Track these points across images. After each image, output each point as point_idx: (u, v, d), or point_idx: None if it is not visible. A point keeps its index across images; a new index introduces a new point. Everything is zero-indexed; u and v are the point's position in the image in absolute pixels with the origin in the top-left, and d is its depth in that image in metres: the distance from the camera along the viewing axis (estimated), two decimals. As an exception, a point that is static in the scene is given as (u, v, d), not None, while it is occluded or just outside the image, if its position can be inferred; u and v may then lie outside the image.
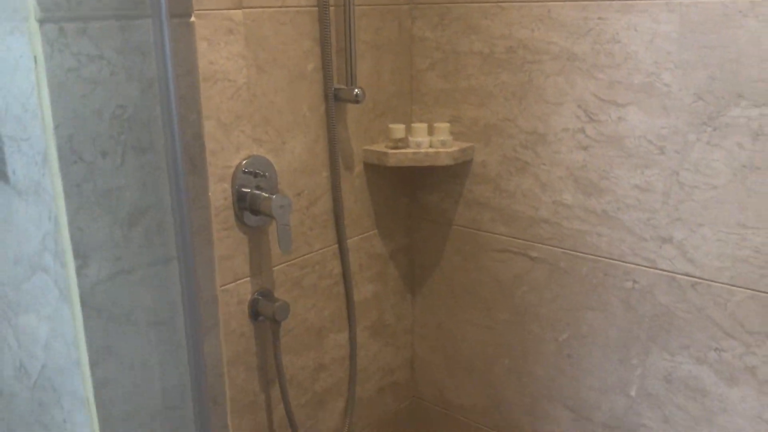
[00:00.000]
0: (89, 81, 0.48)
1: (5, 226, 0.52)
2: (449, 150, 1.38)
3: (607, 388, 1.36)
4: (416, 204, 1.57)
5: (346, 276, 1.44)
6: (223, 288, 1.20)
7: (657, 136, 1.19)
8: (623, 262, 1.28)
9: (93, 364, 0.48)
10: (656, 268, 1.24)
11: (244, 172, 1.21)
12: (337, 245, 1.42)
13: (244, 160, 1.20)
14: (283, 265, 1.32)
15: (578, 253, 1.34)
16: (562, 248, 1.36)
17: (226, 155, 1.17)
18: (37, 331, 0.52)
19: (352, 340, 1.49)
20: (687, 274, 1.21)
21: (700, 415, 1.25)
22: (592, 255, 1.32)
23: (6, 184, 0.52)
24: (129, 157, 0.48)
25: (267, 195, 1.19)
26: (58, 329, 0.50)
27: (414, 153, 1.38)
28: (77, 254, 0.47)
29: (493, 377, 1.55)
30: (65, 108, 0.46)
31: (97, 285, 0.48)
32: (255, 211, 1.22)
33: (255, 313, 1.28)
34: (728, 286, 1.17)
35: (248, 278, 1.25)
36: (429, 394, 1.70)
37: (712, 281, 1.19)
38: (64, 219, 0.46)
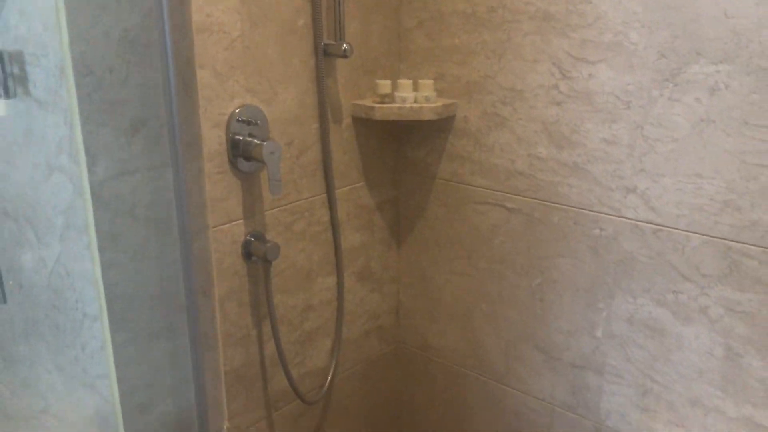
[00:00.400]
0: (99, 6, 0.56)
1: (26, 134, 0.60)
2: (433, 105, 1.47)
3: (575, 330, 1.46)
4: (402, 158, 1.66)
5: (334, 224, 1.53)
6: (217, 228, 1.30)
7: (624, 91, 1.27)
8: (591, 211, 1.37)
9: (101, 249, 0.57)
10: (621, 217, 1.34)
11: (238, 121, 1.29)
12: (325, 194, 1.51)
13: (238, 108, 1.29)
14: (274, 210, 1.41)
15: (551, 204, 1.43)
16: (536, 199, 1.45)
17: (220, 103, 1.25)
18: (54, 223, 0.62)
19: (340, 284, 1.59)
20: (649, 222, 1.30)
21: (659, 353, 1.35)
22: (563, 205, 1.41)
23: (27, 96, 0.60)
24: (132, 74, 0.57)
25: (259, 142, 1.28)
26: (71, 220, 0.59)
27: (399, 108, 1.47)
28: (88, 154, 0.55)
29: (472, 322, 1.65)
30: (79, 28, 0.54)
31: (104, 182, 0.57)
32: (248, 157, 1.31)
33: (248, 254, 1.37)
34: (685, 233, 1.26)
35: (241, 220, 1.34)
36: (412, 339, 1.80)
37: (671, 228, 1.28)
38: (77, 124, 0.55)
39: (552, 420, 1.55)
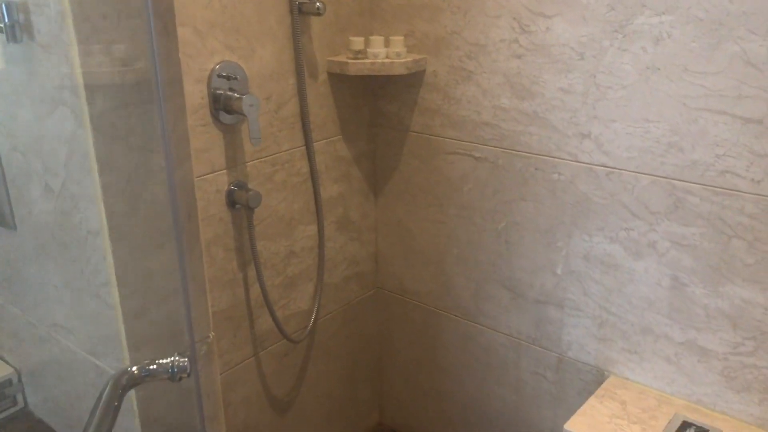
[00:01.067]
0: (93, -38, 0.65)
1: (31, 74, 0.69)
2: (403, 60, 1.56)
3: (537, 269, 1.58)
4: (376, 112, 1.76)
5: (313, 175, 1.63)
6: (202, 178, 1.39)
7: (578, 43, 1.37)
8: (550, 157, 1.48)
9: (101, 173, 0.67)
10: (577, 161, 1.44)
11: (219, 76, 1.38)
12: (304, 147, 1.60)
13: (218, 64, 1.38)
14: (255, 161, 1.51)
15: (513, 151, 1.53)
16: (500, 147, 1.55)
17: (201, 59, 1.34)
18: (59, 153, 0.71)
19: (320, 232, 1.69)
20: (602, 165, 1.41)
21: (613, 286, 1.47)
22: (525, 152, 1.52)
23: (32, 41, 0.69)
24: (122, 20, 0.66)
25: (238, 95, 1.37)
26: (75, 148, 0.68)
27: (372, 63, 1.56)
28: (87, 88, 0.64)
29: (445, 266, 1.76)
30: (76, -20, 0.63)
31: (102, 113, 0.66)
32: (228, 111, 1.40)
33: (231, 202, 1.47)
34: (635, 173, 1.37)
35: (224, 170, 1.44)
36: (390, 284, 1.92)
37: (622, 170, 1.39)
38: (77, 63, 0.64)
39: (519, 353, 1.68)
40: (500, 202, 1.59)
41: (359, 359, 1.97)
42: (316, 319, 1.74)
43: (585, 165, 1.43)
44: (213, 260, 1.45)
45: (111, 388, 0.71)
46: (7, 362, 1.04)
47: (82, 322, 0.81)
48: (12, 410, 1.01)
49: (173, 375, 0.74)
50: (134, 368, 0.72)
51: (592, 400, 1.45)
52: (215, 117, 1.40)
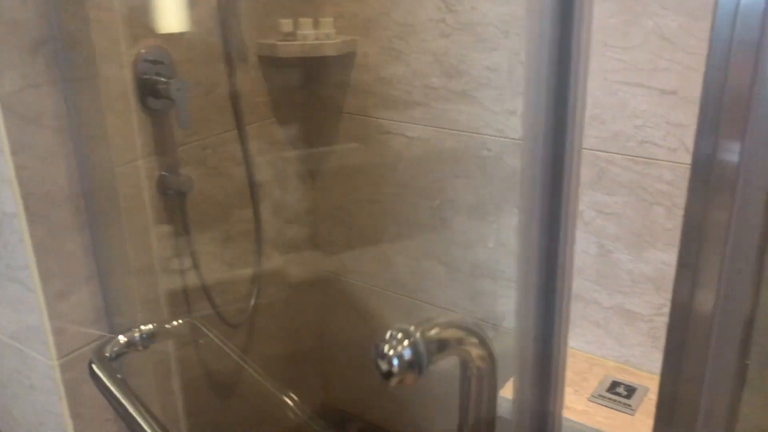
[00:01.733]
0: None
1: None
2: (332, 42, 1.57)
3: (471, 243, 1.62)
4: (309, 94, 1.76)
5: (246, 159, 1.63)
6: (131, 164, 1.37)
7: (501, 21, 1.40)
8: (480, 134, 1.51)
9: (13, 153, 0.66)
10: (505, 137, 1.48)
11: (145, 61, 1.36)
12: (236, 130, 1.60)
13: (144, 49, 1.36)
14: (187, 146, 1.49)
15: (444, 129, 1.56)
16: (431, 126, 1.58)
17: (127, 44, 1.32)
18: (-31, 135, 0.70)
19: (256, 216, 1.69)
20: (529, 139, 1.45)
21: (543, 257, 1.52)
22: (455, 130, 1.55)
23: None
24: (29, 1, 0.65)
25: (166, 80, 1.36)
26: (-15, 130, 0.67)
27: (301, 45, 1.56)
28: (-5, 68, 0.64)
29: (383, 245, 1.78)
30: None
31: (12, 94, 0.65)
32: (156, 96, 1.38)
33: (163, 188, 1.46)
34: (560, 147, 1.42)
35: (155, 156, 1.42)
36: (331, 266, 1.93)
37: (548, 144, 1.43)
38: (-17, 43, 0.63)
39: (457, 327, 1.72)
40: (434, 180, 1.62)
41: (301, 341, 1.98)
42: (255, 304, 1.74)
43: (512, 140, 1.47)
44: (147, 248, 1.44)
45: (99, 364, 0.71)
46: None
47: (2, 307, 0.80)
48: (-63, 404, 0.99)
49: (144, 341, 0.75)
50: (120, 337, 0.73)
51: (527, 368, 1.49)
52: (143, 103, 1.38)
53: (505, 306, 1.61)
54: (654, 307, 1.41)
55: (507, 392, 1.42)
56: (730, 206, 0.51)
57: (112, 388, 0.72)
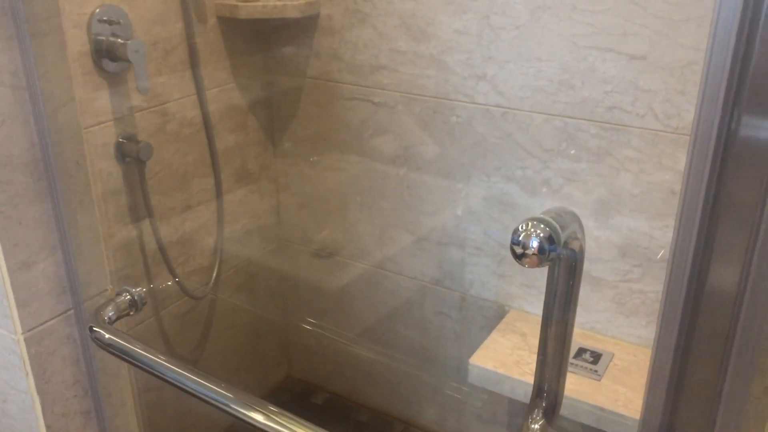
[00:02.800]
0: None
1: None
2: (296, 3, 1.51)
3: (439, 211, 1.60)
4: (272, 58, 1.71)
5: (206, 125, 1.57)
6: (87, 130, 1.31)
7: (471, -17, 1.37)
8: (448, 99, 1.49)
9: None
10: (474, 103, 1.46)
11: (99, 21, 1.29)
12: (195, 95, 1.54)
13: (98, 8, 1.28)
14: (144, 111, 1.43)
15: (412, 95, 1.53)
16: (398, 92, 1.55)
17: (79, 2, 1.24)
18: None
19: (217, 185, 1.64)
20: (498, 105, 1.44)
21: (510, 224, 1.51)
22: (423, 96, 1.52)
23: None
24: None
25: (123, 41, 1.29)
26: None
27: (263, 6, 1.50)
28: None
29: (348, 214, 1.76)
30: None
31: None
32: (112, 58, 1.31)
33: (121, 155, 1.40)
34: (529, 113, 1.41)
35: (111, 122, 1.36)
36: (293, 236, 1.90)
37: (517, 110, 1.42)
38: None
39: (423, 295, 1.71)
40: (401, 147, 1.59)
41: (265, 313, 1.94)
42: (218, 275, 1.70)
43: (481, 106, 1.45)
44: (104, 218, 1.38)
45: (102, 328, 0.68)
46: None
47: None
48: None
49: (137, 304, 0.72)
50: (111, 307, 0.70)
51: (494, 335, 1.50)
52: (98, 65, 1.31)
53: (473, 274, 1.60)
54: (619, 274, 1.42)
55: (477, 359, 1.42)
56: (760, 185, 0.50)
57: (133, 345, 0.69)
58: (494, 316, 1.61)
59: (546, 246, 0.55)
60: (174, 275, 1.52)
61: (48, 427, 0.77)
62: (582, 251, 0.58)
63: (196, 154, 1.57)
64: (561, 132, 1.38)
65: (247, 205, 1.77)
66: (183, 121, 1.52)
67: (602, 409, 1.30)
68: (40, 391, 0.75)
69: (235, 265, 1.79)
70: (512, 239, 0.57)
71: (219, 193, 1.64)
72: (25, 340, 0.72)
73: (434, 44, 1.46)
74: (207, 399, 0.67)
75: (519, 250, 0.56)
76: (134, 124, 1.41)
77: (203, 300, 1.70)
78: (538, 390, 0.63)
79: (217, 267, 1.69)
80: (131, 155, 1.39)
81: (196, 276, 1.66)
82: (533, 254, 0.55)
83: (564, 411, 1.37)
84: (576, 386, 1.36)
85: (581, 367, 1.40)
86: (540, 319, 1.52)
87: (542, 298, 1.51)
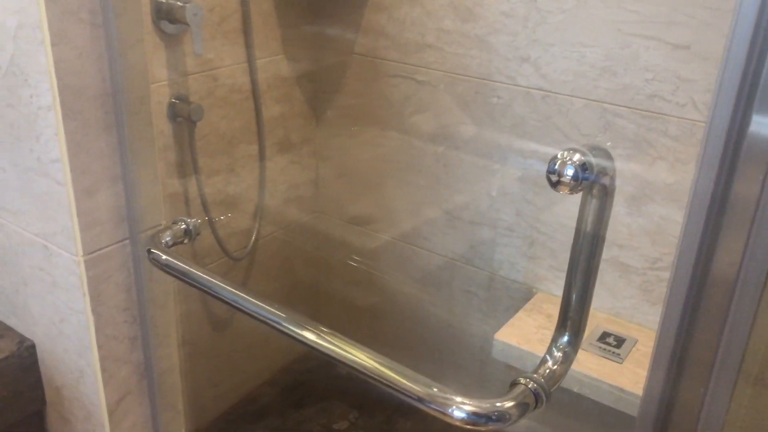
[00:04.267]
0: None
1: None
2: (348, -21, 1.56)
3: (473, 191, 1.64)
4: (321, 33, 1.75)
5: (255, 93, 1.63)
6: (143, 88, 1.37)
7: (521, -33, 1.40)
8: (490, 80, 1.52)
9: (53, 44, 0.67)
10: (516, 85, 1.49)
11: (161, -17, 1.35)
12: (246, 63, 1.59)
13: (161, -30, 1.34)
14: (197, 74, 1.49)
15: (455, 75, 1.57)
16: (442, 71, 1.58)
17: (144, -37, 1.30)
18: (7, 25, 0.70)
19: (261, 152, 1.70)
20: (539, 88, 1.46)
21: (544, 206, 1.54)
22: (466, 76, 1.55)
23: None
24: None
25: (182, 3, 1.35)
26: (24, 20, 0.67)
27: (317, -20, 1.55)
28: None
29: (384, 189, 1.80)
30: None
31: (53, -17, 0.66)
32: (171, 20, 1.37)
33: (173, 114, 1.46)
34: (569, 97, 1.43)
35: (166, 82, 1.42)
36: (330, 209, 1.95)
37: (558, 93, 1.44)
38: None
39: (452, 272, 1.75)
40: (440, 125, 1.63)
41: (297, 280, 2.00)
42: (256, 239, 1.76)
43: (523, 88, 1.48)
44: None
45: (160, 250, 0.74)
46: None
47: (30, 203, 0.81)
48: (-48, 303, 1.00)
49: (191, 233, 0.78)
50: (167, 233, 0.76)
51: (520, 314, 1.53)
52: (157, 26, 1.37)
53: (503, 255, 1.64)
54: (648, 261, 1.44)
55: (502, 335, 1.46)
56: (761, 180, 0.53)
57: (187, 266, 0.75)
58: (521, 297, 1.64)
59: (580, 174, 0.59)
60: (215, 234, 1.59)
61: (100, 347, 0.82)
62: (613, 187, 0.62)
63: (242, 121, 1.63)
64: (600, 117, 1.40)
65: (287, 174, 1.83)
66: (233, 87, 1.58)
67: (622, 390, 1.33)
68: (95, 313, 0.80)
69: (272, 231, 1.85)
70: (548, 168, 0.61)
71: (262, 161, 1.70)
72: (85, 262, 0.78)
73: (480, 25, 1.49)
74: (262, 318, 0.72)
75: (554, 178, 0.60)
76: (187, 86, 1.47)
77: (240, 262, 1.76)
78: (562, 320, 0.67)
79: (255, 231, 1.74)
80: (182, 115, 1.45)
81: (235, 238, 1.72)
82: (568, 181, 0.59)
83: (584, 390, 1.40)
84: (599, 367, 1.38)
85: (604, 349, 1.43)
86: (567, 301, 1.55)
87: (570, 280, 1.54)
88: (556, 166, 0.59)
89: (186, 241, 0.83)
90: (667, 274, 1.42)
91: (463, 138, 1.60)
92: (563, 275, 1.56)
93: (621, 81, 1.36)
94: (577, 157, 0.59)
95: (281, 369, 2.00)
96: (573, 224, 1.50)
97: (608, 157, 0.62)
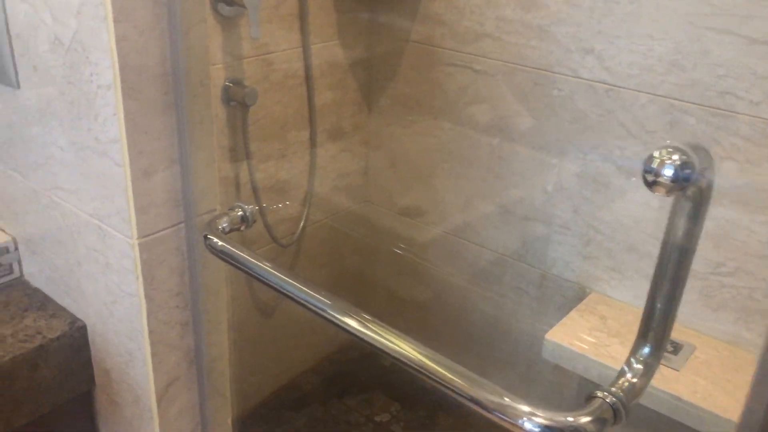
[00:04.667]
0: None
1: None
2: (408, -35, 1.52)
3: (528, 185, 1.59)
4: (377, 19, 1.72)
5: (308, 78, 1.61)
6: (199, 70, 1.36)
7: (589, -46, 1.35)
8: (551, 72, 1.47)
9: (116, 21, 0.65)
10: (578, 77, 1.44)
11: (220, -35, 1.34)
12: (301, 48, 1.57)
13: (220, -48, 1.33)
14: (252, 58, 1.48)
15: (514, 65, 1.52)
16: (501, 60, 1.54)
17: (204, -56, 1.29)
18: (71, 1, 0.69)
19: (313, 139, 1.68)
20: (602, 82, 1.41)
21: (603, 204, 1.49)
22: (525, 66, 1.50)
23: None
24: None
25: (240, -14, 1.33)
26: (88, -5, 0.66)
27: (376, -35, 1.52)
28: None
29: (435, 180, 1.77)
30: None
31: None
32: (228, 2, 1.36)
33: (227, 98, 1.45)
34: (635, 92, 1.37)
35: (221, 65, 1.41)
36: (379, 199, 1.92)
37: (622, 87, 1.39)
38: None
39: (503, 269, 1.71)
40: (496, 117, 1.59)
41: (344, 269, 1.99)
42: (304, 226, 1.75)
43: (585, 81, 1.43)
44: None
45: (217, 236, 0.73)
46: (2, 230, 1.03)
47: (86, 182, 0.80)
48: (7, 278, 1.01)
49: (248, 220, 0.77)
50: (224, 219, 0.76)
51: (573, 314, 1.49)
52: (214, 8, 1.36)
53: (557, 252, 1.59)
54: (710, 266, 1.38)
55: (553, 335, 1.41)
56: None
57: (243, 253, 0.74)
58: (574, 297, 1.60)
59: (680, 174, 0.55)
60: (264, 220, 1.58)
61: (151, 331, 0.81)
62: (710, 190, 0.58)
63: (296, 106, 1.61)
64: (666, 114, 1.34)
65: (338, 162, 1.81)
66: (287, 72, 1.56)
67: (679, 399, 1.28)
68: (147, 296, 0.79)
69: (320, 219, 1.83)
70: (644, 167, 0.57)
71: (313, 147, 1.68)
72: (139, 245, 0.76)
73: (543, 14, 1.44)
74: (331, 318, 0.70)
75: (651, 178, 0.56)
76: (242, 69, 1.46)
77: (288, 249, 1.75)
78: (644, 330, 0.63)
79: (304, 218, 1.73)
80: (237, 99, 1.44)
81: (284, 225, 1.71)
82: (666, 182, 0.55)
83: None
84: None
85: (660, 355, 1.37)
86: (624, 305, 1.50)
87: (626, 283, 1.49)
88: (654, 165, 0.55)
89: (242, 227, 0.82)
90: (730, 280, 1.36)
91: (520, 130, 1.56)
92: (620, 276, 1.51)
93: (690, 76, 1.29)
94: (677, 156, 0.55)
95: (324, 358, 1.99)
96: (633, 224, 1.44)
97: (708, 157, 0.58)
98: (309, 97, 1.63)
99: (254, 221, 0.80)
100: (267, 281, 0.73)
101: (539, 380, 1.68)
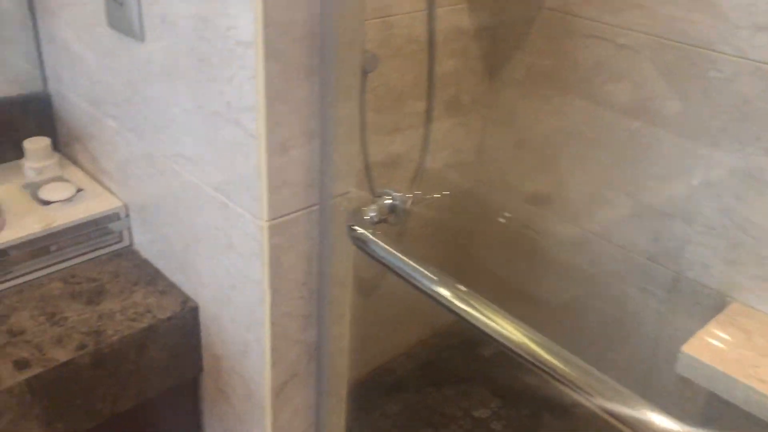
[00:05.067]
0: None
1: None
2: None
3: (670, 177, 1.42)
4: (508, -17, 1.57)
5: (431, 44, 1.48)
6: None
7: None
8: (711, 50, 1.29)
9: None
10: (744, 57, 1.25)
11: None
12: (426, 11, 1.44)
13: None
14: (373, 19, 1.36)
15: (665, 40, 1.34)
16: (650, 34, 1.36)
17: None
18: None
19: (428, 110, 1.55)
20: (776, 64, 1.22)
21: (758, 205, 1.31)
22: (679, 42, 1.32)
23: None
24: None
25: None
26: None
27: None
28: None
29: (560, 164, 1.61)
30: None
31: None
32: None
33: (345, 62, 1.34)
34: (816, 78, 1.18)
35: (343, 26, 1.30)
36: (493, 179, 1.79)
37: (800, 72, 1.20)
38: None
39: (630, 267, 1.55)
40: (638, 98, 1.42)
41: (450, 251, 1.87)
42: (412, 203, 1.63)
43: (753, 62, 1.24)
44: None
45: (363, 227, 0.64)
46: (114, 194, 0.96)
47: (212, 152, 0.71)
48: (116, 247, 0.95)
49: (399, 211, 0.69)
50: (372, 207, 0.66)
51: (712, 326, 1.32)
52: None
53: (695, 255, 1.42)
54: None
55: (691, 348, 1.26)
56: None
57: (395, 250, 0.64)
58: (711, 305, 1.42)
59: None
60: (373, 193, 1.47)
61: (273, 323, 0.73)
62: None
63: (414, 74, 1.49)
64: (761, 79, 1.15)
65: (452, 137, 1.68)
66: (409, 37, 1.43)
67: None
68: (273, 285, 0.70)
69: (429, 197, 1.72)
70: None
71: (428, 120, 1.56)
72: (269, 228, 0.67)
73: (710, -17, 1.25)
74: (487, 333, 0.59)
75: None
76: (362, 32, 1.34)
77: (394, 226, 1.64)
78: None
79: (413, 195, 1.62)
80: (356, 64, 1.32)
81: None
82: None
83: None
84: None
85: (818, 383, 1.19)
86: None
87: (781, 295, 1.30)
88: None
89: (391, 219, 0.71)
90: None
91: (666, 114, 1.38)
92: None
93: None
94: None
95: (419, 342, 1.89)
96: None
97: None
98: (429, 64, 1.50)
99: (408, 214, 0.69)
100: (424, 289, 0.62)
101: (657, 388, 1.53)
